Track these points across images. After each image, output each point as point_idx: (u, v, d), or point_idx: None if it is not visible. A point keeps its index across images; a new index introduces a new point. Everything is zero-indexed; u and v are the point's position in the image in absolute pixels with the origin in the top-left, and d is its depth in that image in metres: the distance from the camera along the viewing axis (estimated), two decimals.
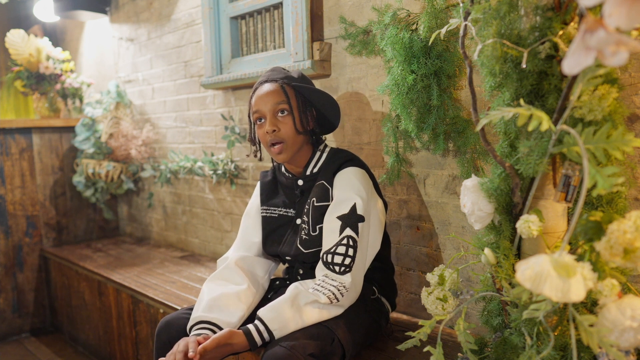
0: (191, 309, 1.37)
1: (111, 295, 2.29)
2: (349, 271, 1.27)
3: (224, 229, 2.43)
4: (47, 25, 3.46)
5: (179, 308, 1.82)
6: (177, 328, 1.33)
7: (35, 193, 2.91)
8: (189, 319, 1.34)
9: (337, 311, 1.27)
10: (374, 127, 1.72)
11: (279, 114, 1.36)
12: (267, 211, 1.51)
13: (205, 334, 1.24)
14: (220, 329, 1.27)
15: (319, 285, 1.27)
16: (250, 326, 1.21)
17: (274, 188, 1.53)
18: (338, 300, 1.25)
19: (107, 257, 2.64)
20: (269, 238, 1.50)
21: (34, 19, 3.31)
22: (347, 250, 1.27)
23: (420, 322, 1.07)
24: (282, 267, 1.61)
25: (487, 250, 1.03)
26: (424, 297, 1.11)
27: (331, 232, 1.31)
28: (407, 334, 1.12)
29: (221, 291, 1.35)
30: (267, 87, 1.37)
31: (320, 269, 1.30)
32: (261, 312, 1.23)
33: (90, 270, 2.43)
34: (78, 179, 2.92)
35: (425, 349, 1.07)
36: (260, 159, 1.49)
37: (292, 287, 1.27)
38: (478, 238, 1.11)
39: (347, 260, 1.27)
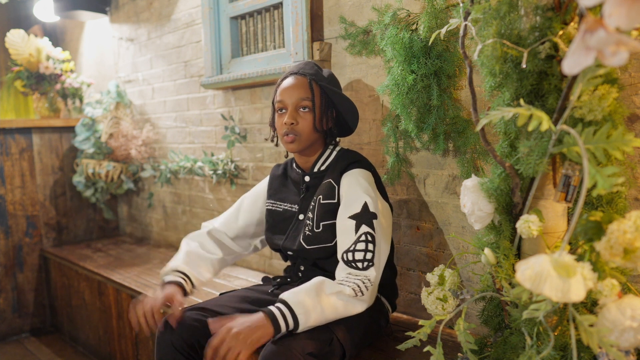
0: (192, 309, 1.37)
1: (111, 295, 2.29)
2: (372, 265, 1.27)
3: None
4: (47, 25, 3.46)
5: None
6: (180, 328, 1.33)
7: (35, 193, 2.91)
8: (190, 318, 1.33)
9: (361, 307, 1.25)
10: (374, 127, 1.72)
11: (301, 110, 1.38)
12: (274, 205, 1.53)
13: (178, 281, 1.40)
14: (190, 281, 1.44)
15: (342, 280, 1.26)
16: (273, 309, 1.16)
17: (284, 182, 1.55)
18: (363, 294, 1.23)
19: (107, 257, 2.64)
20: (272, 231, 1.51)
21: (34, 19, 3.31)
22: (366, 246, 1.27)
23: (420, 322, 1.07)
24: (282, 266, 1.61)
25: (487, 250, 1.03)
26: (424, 297, 1.11)
27: (346, 232, 1.30)
28: (407, 334, 1.12)
29: (198, 252, 1.52)
30: (296, 80, 1.39)
31: (341, 269, 1.29)
32: (285, 295, 1.19)
33: (90, 270, 2.43)
34: (78, 179, 2.92)
35: (425, 349, 1.07)
36: (277, 145, 1.51)
37: (316, 278, 1.25)
38: (478, 238, 1.11)
39: (369, 255, 1.27)
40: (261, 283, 1.60)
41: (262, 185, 1.61)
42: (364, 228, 1.29)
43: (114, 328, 2.30)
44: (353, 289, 1.22)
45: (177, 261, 1.47)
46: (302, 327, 1.16)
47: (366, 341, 1.38)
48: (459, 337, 1.04)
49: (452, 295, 1.10)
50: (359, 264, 1.26)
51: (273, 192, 1.55)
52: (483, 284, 1.10)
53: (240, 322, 1.13)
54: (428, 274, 1.14)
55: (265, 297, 1.44)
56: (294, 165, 1.52)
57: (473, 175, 1.11)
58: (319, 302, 1.18)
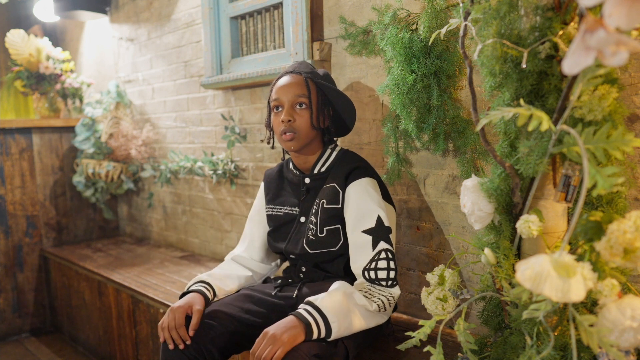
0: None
1: (111, 295, 2.29)
2: (397, 283, 1.30)
3: (224, 229, 2.43)
4: (47, 25, 3.46)
5: None
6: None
7: (35, 193, 2.91)
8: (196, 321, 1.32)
9: (380, 320, 1.28)
10: (374, 127, 1.72)
11: (297, 107, 1.37)
12: (274, 209, 1.52)
13: (199, 289, 1.38)
14: (213, 290, 1.41)
15: (366, 292, 1.27)
16: (303, 312, 1.16)
17: (280, 185, 1.54)
18: (386, 310, 1.27)
19: (107, 257, 2.64)
20: (273, 235, 1.51)
21: (34, 19, 3.31)
22: (388, 264, 1.29)
23: (420, 322, 1.07)
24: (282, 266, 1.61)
25: (487, 250, 1.03)
26: (424, 297, 1.11)
27: (361, 247, 1.31)
28: (407, 334, 1.12)
29: (223, 271, 1.51)
30: (291, 78, 1.39)
31: (362, 284, 1.31)
32: (317, 301, 1.18)
33: (90, 270, 2.43)
34: (78, 179, 2.92)
35: (425, 349, 1.07)
36: (273, 147, 1.50)
37: (343, 285, 1.25)
38: (478, 238, 1.11)
39: (392, 274, 1.29)
40: (261, 282, 1.60)
41: (260, 194, 1.59)
42: (383, 245, 1.30)
43: (114, 328, 2.30)
44: (378, 305, 1.25)
45: (201, 275, 1.46)
46: (333, 336, 1.17)
47: (367, 341, 1.38)
48: (459, 337, 1.04)
49: (452, 295, 1.10)
50: (383, 282, 1.29)
51: (272, 197, 1.54)
52: (483, 284, 1.10)
53: (275, 325, 1.15)
54: (428, 274, 1.14)
55: (269, 299, 1.42)
56: (291, 166, 1.50)
57: (473, 175, 1.11)
58: (349, 313, 1.19)
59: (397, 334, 1.51)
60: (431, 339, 1.38)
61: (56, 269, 2.82)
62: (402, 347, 1.11)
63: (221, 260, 2.42)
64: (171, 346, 1.26)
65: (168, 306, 1.89)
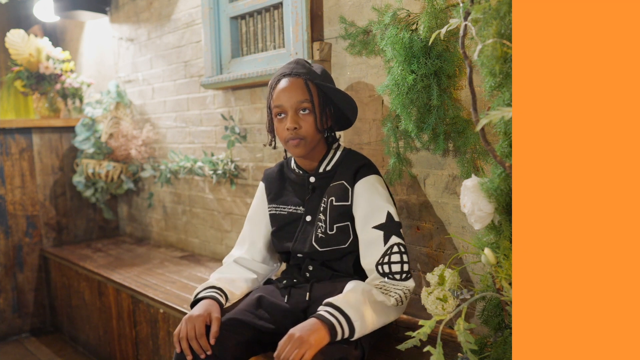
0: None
1: (111, 295, 2.29)
2: (411, 276, 1.31)
3: (224, 229, 2.43)
4: (47, 25, 3.46)
5: (179, 308, 1.82)
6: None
7: (35, 193, 2.91)
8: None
9: (398, 315, 1.29)
10: (374, 127, 1.72)
11: (301, 112, 1.37)
12: (277, 209, 1.51)
13: (212, 295, 1.34)
14: (225, 295, 1.37)
15: (382, 288, 1.27)
16: (325, 314, 1.15)
17: (282, 185, 1.52)
18: (402, 304, 1.28)
19: (107, 257, 2.64)
20: (278, 235, 1.49)
21: (34, 19, 3.31)
22: (401, 257, 1.30)
23: (420, 322, 1.06)
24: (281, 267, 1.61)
25: (487, 250, 1.03)
26: (424, 297, 1.11)
27: (372, 243, 1.32)
28: (407, 334, 1.12)
29: (230, 275, 1.47)
30: (291, 81, 1.37)
31: (376, 278, 1.31)
32: (338, 302, 1.18)
33: (90, 270, 2.43)
34: (78, 179, 2.92)
35: (425, 349, 1.06)
36: (275, 148, 1.49)
37: (360, 284, 1.25)
38: (478, 238, 1.11)
39: (406, 267, 1.30)
40: (263, 284, 1.58)
41: (260, 194, 1.57)
42: (395, 239, 1.31)
43: (114, 328, 2.30)
44: (396, 299, 1.25)
45: (210, 280, 1.42)
46: (356, 335, 1.17)
47: (373, 341, 1.38)
48: (459, 337, 1.03)
49: (452, 295, 1.10)
50: (397, 276, 1.29)
51: (274, 197, 1.52)
52: (483, 284, 1.10)
53: (299, 328, 1.14)
54: (428, 274, 1.14)
55: (279, 303, 1.40)
56: (293, 165, 1.50)
57: (473, 175, 1.11)
58: (369, 311, 1.19)
59: (397, 334, 1.51)
60: (431, 339, 1.38)
61: (56, 269, 2.82)
62: (402, 347, 1.11)
63: (221, 260, 2.42)
64: (189, 357, 1.22)
65: (168, 306, 1.89)
